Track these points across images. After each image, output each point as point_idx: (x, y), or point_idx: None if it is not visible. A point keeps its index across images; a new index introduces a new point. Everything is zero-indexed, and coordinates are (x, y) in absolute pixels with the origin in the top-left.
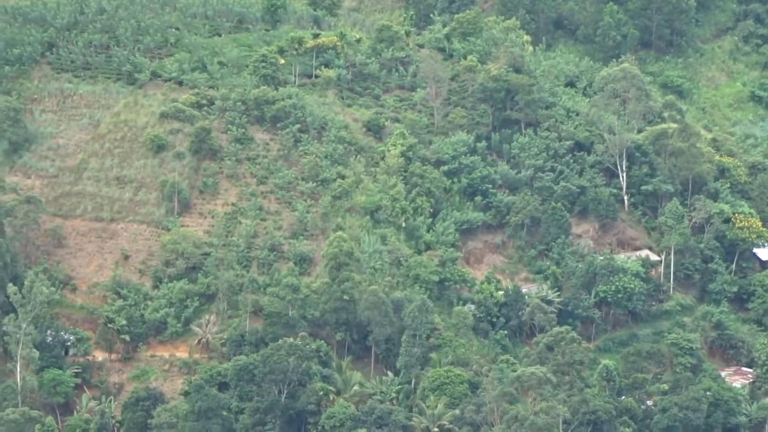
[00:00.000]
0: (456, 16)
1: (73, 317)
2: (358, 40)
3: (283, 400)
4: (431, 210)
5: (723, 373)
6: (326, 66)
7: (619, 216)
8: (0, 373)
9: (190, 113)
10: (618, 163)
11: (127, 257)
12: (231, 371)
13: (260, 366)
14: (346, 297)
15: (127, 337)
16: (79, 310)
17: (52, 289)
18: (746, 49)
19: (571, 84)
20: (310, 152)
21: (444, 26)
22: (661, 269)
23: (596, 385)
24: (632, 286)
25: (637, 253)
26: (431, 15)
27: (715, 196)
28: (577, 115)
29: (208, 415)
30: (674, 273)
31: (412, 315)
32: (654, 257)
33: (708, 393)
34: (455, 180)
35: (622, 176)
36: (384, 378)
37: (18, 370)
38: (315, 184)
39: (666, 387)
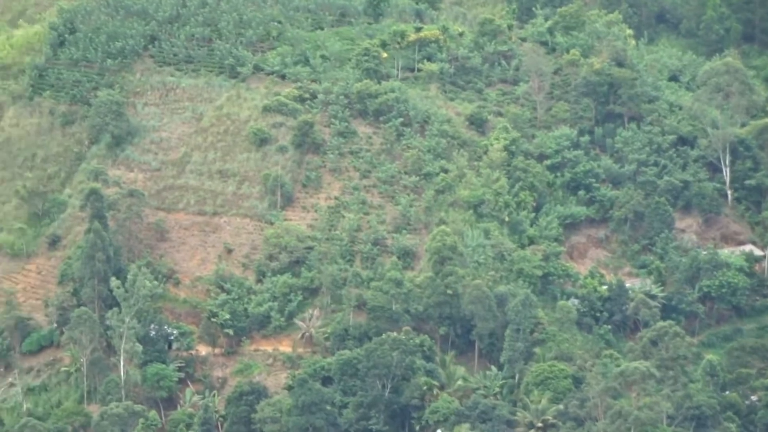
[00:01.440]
0: (558, 9)
1: (177, 311)
2: (461, 34)
3: (386, 394)
4: (534, 204)
5: None
6: (429, 60)
7: (723, 210)
8: (104, 367)
9: (292, 107)
10: (721, 157)
11: (230, 251)
12: (335, 366)
13: (364, 360)
14: (449, 291)
15: (231, 332)
16: (182, 304)
17: (155, 282)
18: None
19: (674, 78)
20: (413, 146)
21: (546, 20)
22: (765, 264)
23: (700, 381)
24: (736, 281)
25: (741, 247)
26: (533, 8)
27: None
28: (680, 109)
29: (311, 410)
30: None
31: (515, 309)
32: (758, 252)
33: None
34: (558, 174)
35: (726, 171)
36: (488, 372)
37: (121, 364)
38: (418, 178)
39: None
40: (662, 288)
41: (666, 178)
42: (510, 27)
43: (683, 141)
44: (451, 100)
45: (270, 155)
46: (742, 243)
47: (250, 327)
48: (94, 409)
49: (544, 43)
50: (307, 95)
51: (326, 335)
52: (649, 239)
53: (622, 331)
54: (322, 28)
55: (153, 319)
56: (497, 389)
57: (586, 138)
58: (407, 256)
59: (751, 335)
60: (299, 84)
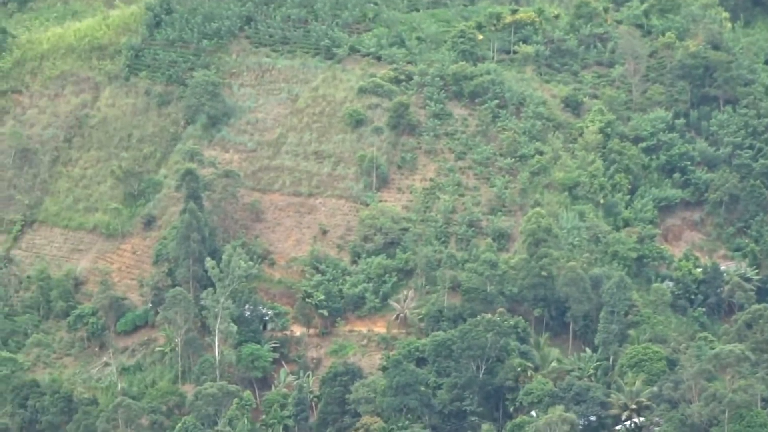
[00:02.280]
0: None
1: (271, 292)
2: (557, 16)
3: (480, 376)
4: (629, 187)
5: None
6: (524, 42)
7: None
8: (198, 347)
9: (388, 88)
10: None
11: (325, 232)
12: (429, 347)
13: (458, 342)
14: (544, 273)
15: (325, 312)
16: (277, 284)
17: (251, 263)
18: None
19: None
20: (509, 128)
21: (642, 2)
22: None
23: None
24: None
25: None
26: None
27: None
28: None
29: (405, 391)
30: None
31: (610, 291)
32: None
33: None
34: (654, 157)
35: None
36: (582, 354)
37: (216, 344)
38: (513, 159)
39: None
40: (757, 271)
41: (762, 161)
42: (606, 9)
43: None
44: (547, 82)
45: (365, 136)
46: None
47: (345, 308)
48: (188, 389)
49: (640, 26)
50: (402, 77)
51: (421, 316)
52: (744, 222)
53: (716, 313)
54: (417, 10)
55: (248, 299)
56: (591, 371)
57: (681, 121)
58: (502, 238)
59: None
60: (395, 65)
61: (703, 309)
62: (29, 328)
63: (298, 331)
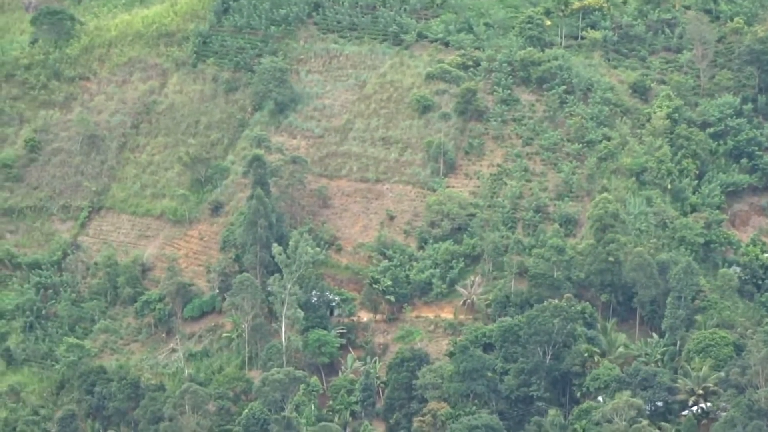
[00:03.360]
0: None
1: (338, 277)
2: (624, 2)
3: (547, 361)
4: (697, 172)
5: None
6: (592, 27)
7: None
8: (265, 333)
9: (455, 74)
10: None
11: (392, 218)
12: (496, 332)
13: (525, 327)
14: (611, 259)
15: (392, 298)
16: (344, 270)
17: (317, 249)
18: None
19: None
20: (576, 114)
21: None
22: None
23: None
24: None
25: None
26: None
27: None
28: None
29: (472, 376)
30: None
31: (677, 277)
32: None
33: None
34: (721, 142)
35: None
36: (649, 340)
37: (283, 330)
38: (580, 145)
39: None
40: None
41: None
42: None
43: None
44: (614, 67)
45: (433, 122)
46: None
47: (412, 294)
48: (255, 375)
49: (708, 11)
50: (470, 63)
51: (488, 302)
52: None
53: None
54: None
55: (315, 285)
56: (658, 356)
57: (749, 106)
58: (569, 224)
59: None
60: (462, 51)
61: None
62: (96, 314)
63: (365, 317)
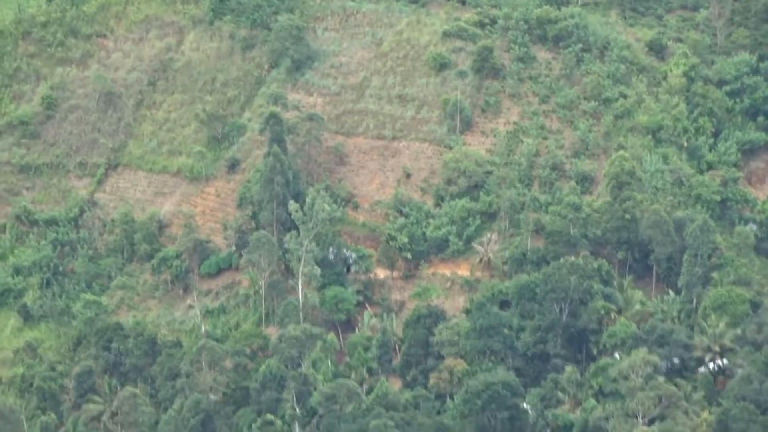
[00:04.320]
0: None
1: (355, 235)
2: None
3: (564, 318)
4: (713, 130)
5: None
6: None
7: None
8: (282, 290)
9: (472, 32)
10: None
11: (409, 175)
12: (512, 289)
13: (541, 284)
14: (627, 216)
15: (409, 255)
16: (360, 227)
17: (334, 206)
18: None
19: None
20: (593, 71)
21: None
22: None
23: None
24: None
25: None
26: None
27: None
28: None
29: (489, 333)
30: None
31: (693, 234)
32: None
33: None
34: (737, 100)
35: None
36: (665, 297)
37: (300, 287)
38: (597, 103)
39: None
40: None
41: None
42: None
43: None
44: (631, 26)
45: (449, 80)
46: None
47: (429, 251)
48: (272, 332)
49: None
50: (487, 20)
51: (504, 259)
52: None
53: None
54: None
55: (331, 242)
56: (675, 314)
57: (765, 64)
58: (585, 181)
59: None
60: (479, 9)
61: None
62: (113, 271)
63: (381, 274)
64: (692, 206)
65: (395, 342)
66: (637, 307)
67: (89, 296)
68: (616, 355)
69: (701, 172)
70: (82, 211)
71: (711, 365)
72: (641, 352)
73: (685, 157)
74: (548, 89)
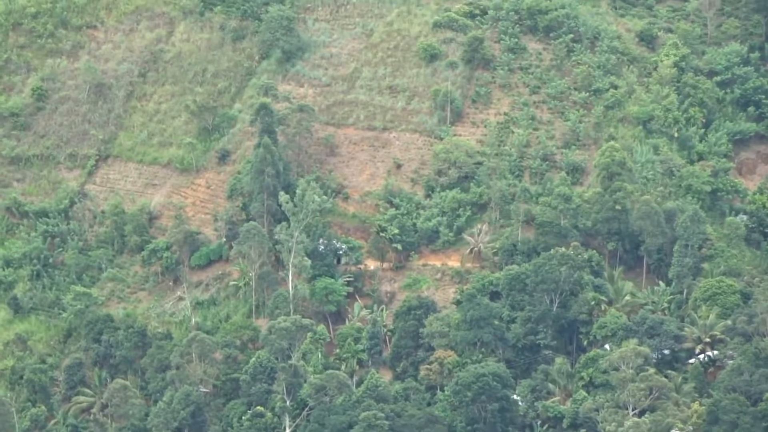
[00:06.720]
0: None
1: (345, 226)
2: None
3: (554, 309)
4: (704, 120)
5: None
6: None
7: None
8: (272, 281)
9: (463, 23)
10: None
11: (399, 166)
12: (503, 280)
13: (532, 276)
14: (618, 207)
15: (399, 246)
16: (351, 218)
17: (324, 197)
18: None
19: None
20: (583, 62)
21: None
22: None
23: None
24: None
25: None
26: None
27: None
28: None
29: (479, 324)
30: None
31: (684, 225)
32: None
33: None
34: (728, 90)
35: None
36: (655, 288)
37: (290, 278)
38: (587, 94)
39: None
40: None
41: None
42: None
43: None
44: (622, 16)
45: (440, 71)
46: None
47: (419, 242)
48: (262, 323)
49: None
50: (477, 11)
51: (494, 250)
52: None
53: None
54: None
55: (322, 233)
56: (665, 304)
57: (756, 54)
58: (576, 172)
59: None
60: (470, 0)
61: None
62: (103, 262)
63: (372, 265)
64: (683, 197)
65: (385, 333)
66: (628, 298)
67: (79, 288)
68: (607, 347)
69: (692, 163)
70: (72, 203)
71: (701, 356)
72: (631, 344)
73: (675, 148)
74: (539, 80)
